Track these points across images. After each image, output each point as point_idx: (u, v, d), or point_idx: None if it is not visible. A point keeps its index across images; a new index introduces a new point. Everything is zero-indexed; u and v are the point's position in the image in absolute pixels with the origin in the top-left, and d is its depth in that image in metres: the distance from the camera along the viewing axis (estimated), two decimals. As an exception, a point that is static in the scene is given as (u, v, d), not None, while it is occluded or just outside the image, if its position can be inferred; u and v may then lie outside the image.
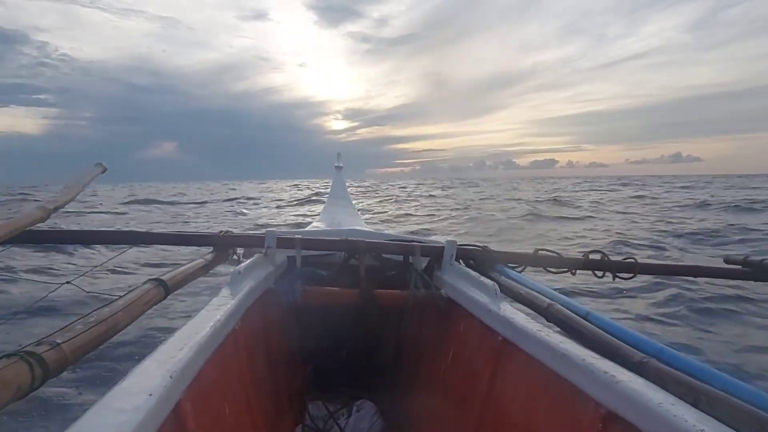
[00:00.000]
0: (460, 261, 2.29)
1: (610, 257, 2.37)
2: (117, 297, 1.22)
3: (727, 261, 2.58)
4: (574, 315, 1.51)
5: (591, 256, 2.39)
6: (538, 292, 1.79)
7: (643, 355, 1.14)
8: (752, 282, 2.45)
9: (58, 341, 0.87)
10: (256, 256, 2.04)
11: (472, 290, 1.88)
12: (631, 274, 2.38)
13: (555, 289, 1.86)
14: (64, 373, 0.89)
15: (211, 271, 2.05)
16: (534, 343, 1.36)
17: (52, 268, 5.69)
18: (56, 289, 1.71)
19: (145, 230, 2.16)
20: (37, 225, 1.76)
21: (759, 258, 2.38)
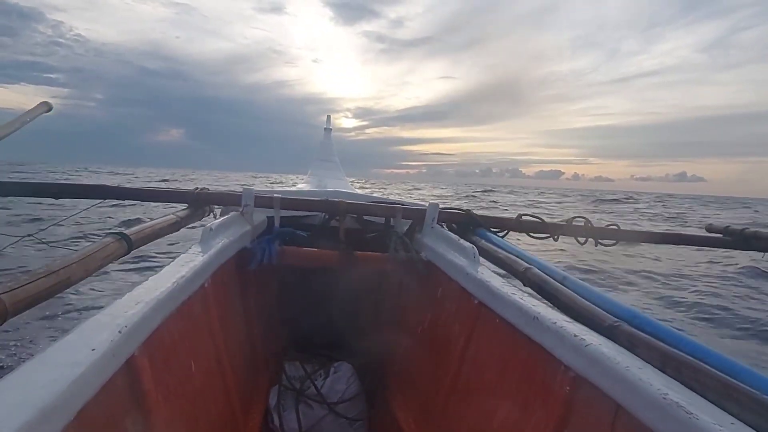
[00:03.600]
0: (443, 225, 2.26)
1: (593, 224, 2.35)
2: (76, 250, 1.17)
3: (708, 229, 2.57)
4: (550, 279, 1.49)
5: (574, 222, 2.36)
6: (516, 256, 1.76)
7: (615, 320, 1.13)
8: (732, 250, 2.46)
9: (-4, 292, 0.82)
10: (231, 214, 1.99)
11: (451, 253, 1.85)
12: (614, 241, 2.37)
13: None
14: (5, 326, 0.85)
15: (186, 229, 1.99)
16: (508, 306, 1.35)
17: (14, 222, 5.40)
18: (17, 242, 1.64)
19: (116, 185, 2.09)
20: None
21: (740, 227, 2.38)
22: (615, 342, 1.04)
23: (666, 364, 0.92)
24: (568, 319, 1.17)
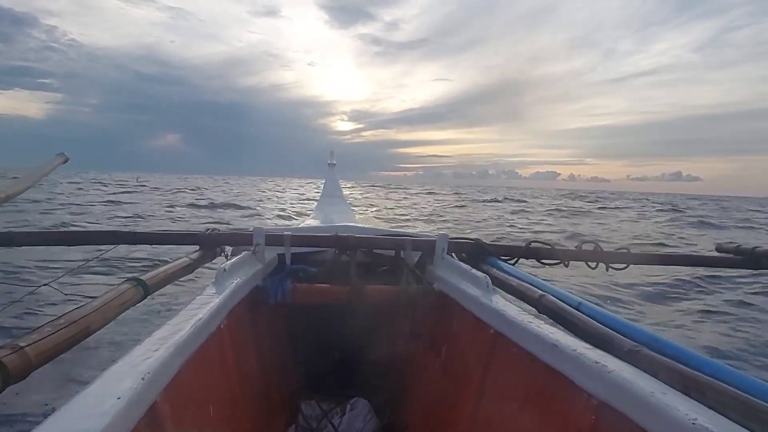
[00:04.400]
0: (453, 255, 2.26)
1: (603, 248, 2.35)
2: (93, 298, 1.18)
3: (719, 249, 2.56)
4: (566, 305, 1.49)
5: (584, 247, 2.36)
6: (529, 284, 1.76)
7: (635, 344, 1.12)
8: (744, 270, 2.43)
9: (22, 345, 0.84)
10: (243, 254, 2.00)
11: (464, 284, 1.85)
12: (625, 265, 2.35)
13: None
14: (31, 378, 0.86)
15: (198, 271, 2.01)
16: (525, 335, 1.34)
17: (28, 270, 5.44)
18: (34, 290, 1.66)
19: (127, 230, 2.12)
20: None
21: (750, 246, 2.36)
22: (636, 367, 1.03)
23: (689, 387, 0.91)
24: (587, 345, 1.16)
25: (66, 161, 2.28)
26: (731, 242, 2.54)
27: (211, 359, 1.35)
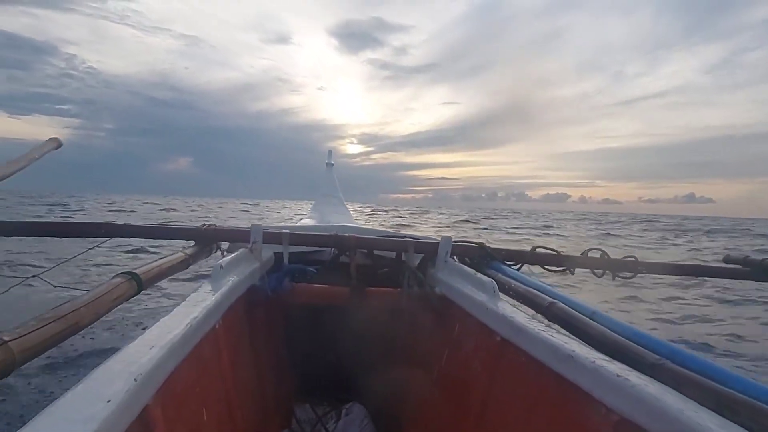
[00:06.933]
0: (455, 258, 2.21)
1: (610, 255, 2.29)
2: (85, 292, 1.11)
3: (726, 260, 2.51)
4: (578, 314, 1.42)
5: (590, 254, 2.31)
6: (537, 290, 1.70)
7: (657, 357, 1.06)
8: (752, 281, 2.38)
9: (5, 339, 0.76)
10: (240, 251, 1.93)
11: (469, 288, 1.80)
12: (632, 273, 2.30)
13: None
14: (13, 376, 0.79)
15: (193, 266, 1.94)
16: (536, 343, 1.28)
17: (18, 263, 5.23)
18: (20, 283, 1.59)
19: (122, 222, 2.04)
20: None
21: (759, 258, 2.32)
22: (659, 381, 0.97)
23: (720, 405, 0.86)
24: (605, 357, 1.11)
25: (59, 147, 2.19)
26: (740, 254, 2.50)
27: (206, 360, 1.28)
